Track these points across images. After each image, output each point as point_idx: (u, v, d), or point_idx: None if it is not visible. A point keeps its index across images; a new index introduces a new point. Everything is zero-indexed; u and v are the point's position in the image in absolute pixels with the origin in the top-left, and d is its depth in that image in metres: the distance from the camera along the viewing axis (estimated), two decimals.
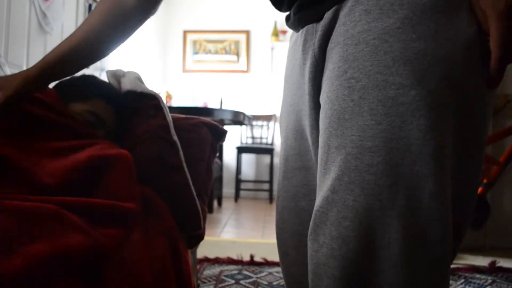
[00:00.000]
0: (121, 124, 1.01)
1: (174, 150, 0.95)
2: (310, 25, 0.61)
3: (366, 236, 0.48)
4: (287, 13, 0.69)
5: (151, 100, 0.99)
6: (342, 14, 0.55)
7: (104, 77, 1.08)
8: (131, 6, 0.79)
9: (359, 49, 0.51)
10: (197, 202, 0.96)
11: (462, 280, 1.79)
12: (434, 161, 0.47)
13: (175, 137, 0.97)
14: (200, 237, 1.05)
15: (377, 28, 0.50)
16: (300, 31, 0.65)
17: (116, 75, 1.06)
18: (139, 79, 1.05)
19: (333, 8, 0.56)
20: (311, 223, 0.55)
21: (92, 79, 1.03)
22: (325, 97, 0.56)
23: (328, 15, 0.57)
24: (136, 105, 1.00)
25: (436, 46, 0.48)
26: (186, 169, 0.96)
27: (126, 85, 1.03)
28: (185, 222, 0.94)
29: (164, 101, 3.60)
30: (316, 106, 0.60)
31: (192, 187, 0.96)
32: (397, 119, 0.48)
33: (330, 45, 0.57)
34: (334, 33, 0.56)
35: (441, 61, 0.48)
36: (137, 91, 1.00)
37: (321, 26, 0.58)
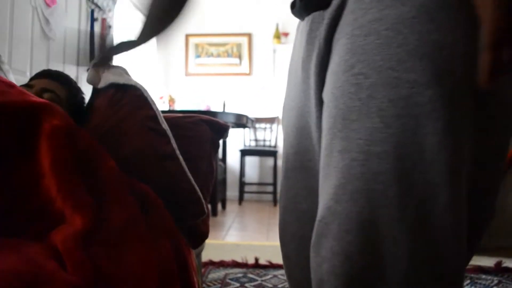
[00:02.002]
0: (77, 98, 1.04)
1: (165, 139, 0.94)
2: (317, 13, 0.56)
3: (372, 252, 0.44)
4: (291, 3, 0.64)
5: (134, 91, 0.97)
6: (351, 0, 0.49)
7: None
8: None
9: (369, 41, 0.46)
10: (196, 187, 0.95)
11: (468, 281, 1.78)
12: (449, 169, 0.42)
13: (165, 125, 0.95)
14: (204, 235, 1.04)
15: (390, 17, 0.45)
16: (306, 19, 0.59)
17: (100, 68, 1.06)
18: (125, 71, 1.04)
19: None
20: (313, 233, 0.50)
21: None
22: (330, 93, 0.50)
23: (336, 1, 0.51)
24: (119, 98, 0.98)
25: (455, 39, 0.43)
26: (180, 157, 0.95)
27: (109, 77, 1.01)
28: (188, 210, 0.93)
29: (167, 105, 3.54)
30: (320, 102, 0.55)
31: (189, 174, 0.94)
32: (410, 122, 0.42)
33: (337, 35, 0.51)
34: (341, 22, 0.50)
35: (461, 55, 0.43)
36: (120, 82, 0.98)
37: (328, 13, 0.52)
